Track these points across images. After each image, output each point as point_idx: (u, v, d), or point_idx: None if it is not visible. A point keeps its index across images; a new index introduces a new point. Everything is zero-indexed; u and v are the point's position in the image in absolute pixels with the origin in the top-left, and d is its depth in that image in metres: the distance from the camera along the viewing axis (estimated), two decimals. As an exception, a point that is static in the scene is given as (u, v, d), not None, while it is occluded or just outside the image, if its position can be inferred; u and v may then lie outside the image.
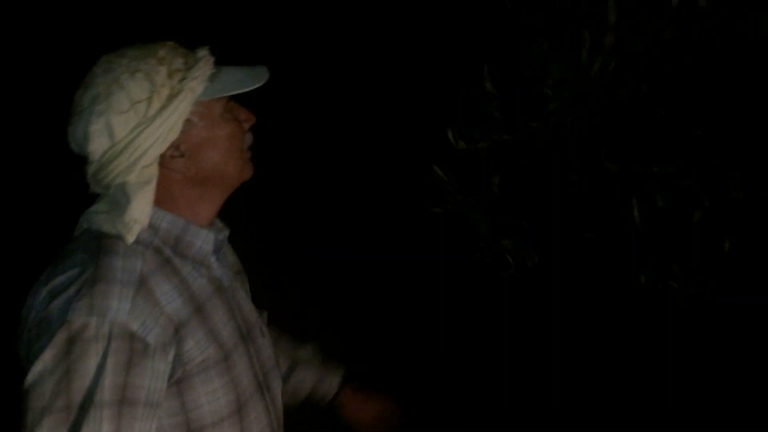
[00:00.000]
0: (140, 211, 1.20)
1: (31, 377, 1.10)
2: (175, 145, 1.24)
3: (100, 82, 1.20)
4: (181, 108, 1.22)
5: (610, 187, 2.13)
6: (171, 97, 1.21)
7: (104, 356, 1.10)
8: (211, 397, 1.22)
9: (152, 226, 1.25)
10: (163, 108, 1.20)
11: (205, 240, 1.30)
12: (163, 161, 1.25)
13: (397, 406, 1.69)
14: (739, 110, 2.04)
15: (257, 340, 1.38)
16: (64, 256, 1.22)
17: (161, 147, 1.23)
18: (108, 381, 1.09)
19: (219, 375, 1.24)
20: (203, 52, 1.28)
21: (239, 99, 1.33)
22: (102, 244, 1.20)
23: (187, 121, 1.24)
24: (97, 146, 1.21)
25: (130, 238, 1.20)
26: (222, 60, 1.32)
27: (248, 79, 1.27)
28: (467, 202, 2.29)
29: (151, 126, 1.20)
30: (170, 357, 1.18)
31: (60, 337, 1.10)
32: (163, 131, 1.20)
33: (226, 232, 1.39)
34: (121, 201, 1.21)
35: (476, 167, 2.29)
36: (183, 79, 1.22)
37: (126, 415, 1.11)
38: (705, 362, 2.78)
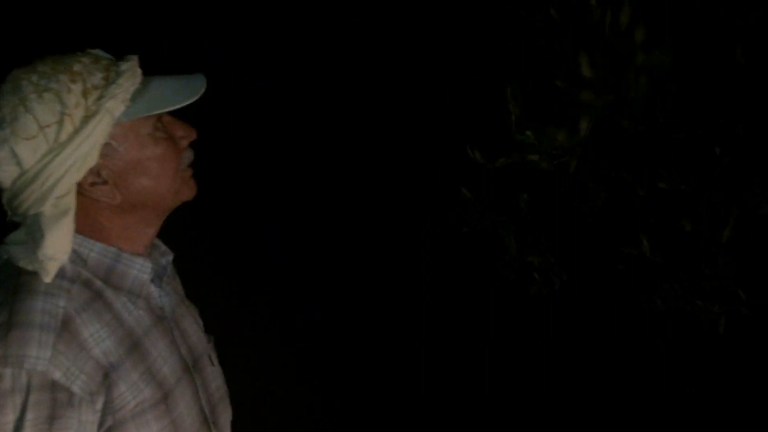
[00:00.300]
0: (56, 247, 1.07)
1: None
2: (95, 172, 1.09)
3: (6, 103, 1.07)
4: (98, 132, 1.06)
5: (636, 208, 2.12)
6: (86, 120, 1.06)
7: (23, 410, 0.99)
8: None
9: (80, 257, 1.11)
10: (77, 132, 1.06)
11: (140, 269, 1.15)
12: (83, 190, 1.09)
13: None
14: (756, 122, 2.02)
15: (205, 370, 1.25)
16: None
17: (77, 175, 1.07)
18: None
19: (156, 418, 1.12)
20: (126, 65, 1.11)
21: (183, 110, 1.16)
22: (20, 282, 1.07)
23: (107, 145, 1.09)
24: (5, 174, 1.07)
25: (47, 278, 1.06)
26: (155, 68, 1.17)
27: (179, 94, 1.12)
28: (497, 221, 2.28)
29: (63, 153, 1.06)
30: (99, 405, 1.06)
31: None
32: (78, 158, 1.06)
33: (170, 257, 1.25)
34: (36, 234, 1.08)
35: (500, 184, 2.28)
36: (100, 98, 1.07)
37: None
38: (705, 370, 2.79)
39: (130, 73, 1.10)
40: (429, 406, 3.38)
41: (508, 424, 3.25)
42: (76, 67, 1.09)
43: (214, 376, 1.27)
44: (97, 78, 1.08)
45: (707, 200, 2.03)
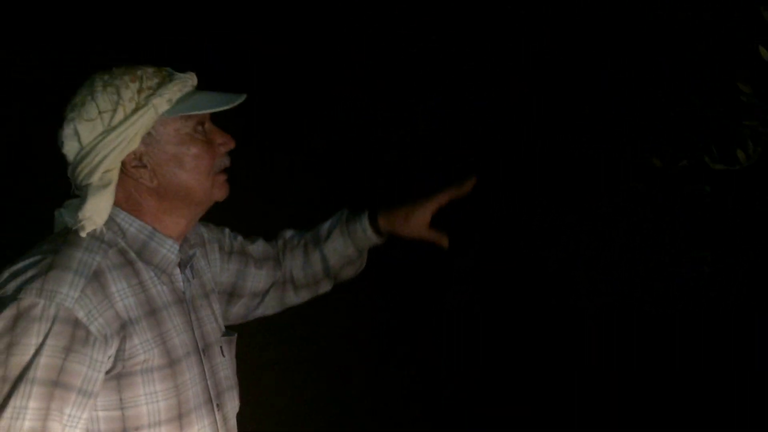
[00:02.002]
0: (92, 210, 1.28)
1: None
2: (137, 156, 1.33)
3: (80, 93, 1.32)
4: (141, 121, 1.29)
5: None
6: (135, 111, 1.29)
7: (45, 336, 1.16)
8: (150, 398, 1.27)
9: (120, 229, 1.33)
10: (126, 119, 1.29)
11: (170, 249, 1.36)
12: (126, 169, 1.33)
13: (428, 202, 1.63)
14: None
15: (215, 358, 1.43)
16: (35, 246, 1.31)
17: (121, 155, 1.30)
18: (43, 360, 1.15)
19: (162, 379, 1.29)
20: (179, 76, 1.35)
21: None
22: (68, 237, 1.29)
23: (149, 134, 1.32)
24: (68, 149, 1.32)
25: (82, 233, 1.28)
26: (207, 86, 1.40)
27: (213, 104, 1.33)
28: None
29: (112, 134, 1.28)
30: (111, 351, 1.23)
31: (8, 313, 1.17)
32: (122, 140, 1.29)
33: (195, 251, 1.46)
34: (82, 200, 1.30)
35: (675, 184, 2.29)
36: (150, 95, 1.30)
37: (57, 397, 1.16)
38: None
39: (180, 82, 1.34)
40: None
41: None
42: (139, 72, 1.33)
43: (224, 366, 1.45)
44: (153, 82, 1.32)
45: None
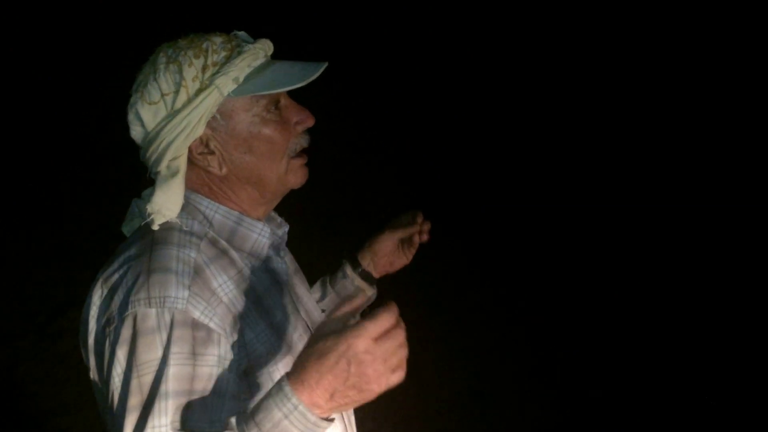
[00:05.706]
0: (161, 202, 1.16)
1: (113, 382, 1.08)
2: (204, 142, 1.18)
3: (144, 71, 1.18)
4: (205, 104, 1.14)
5: None
6: (198, 92, 1.15)
7: (168, 345, 1.05)
8: None
9: (206, 218, 1.20)
10: (189, 102, 1.14)
11: (260, 233, 1.23)
12: (192, 157, 1.18)
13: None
14: None
15: None
16: (120, 251, 1.18)
17: (186, 142, 1.16)
18: (172, 371, 1.05)
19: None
20: (249, 47, 1.18)
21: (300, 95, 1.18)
22: (155, 236, 1.16)
23: (214, 118, 1.17)
24: (135, 134, 1.19)
25: (154, 227, 1.16)
26: (284, 54, 1.22)
27: (288, 79, 1.16)
28: None
29: (175, 119, 1.15)
30: (235, 346, 1.13)
31: (126, 334, 1.07)
32: (186, 126, 1.15)
33: (286, 228, 1.33)
34: (153, 191, 1.19)
35: None
36: (214, 74, 1.15)
37: (195, 405, 1.06)
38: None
39: (250, 55, 1.17)
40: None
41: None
42: (205, 45, 1.16)
43: None
44: (220, 56, 1.16)
45: None
